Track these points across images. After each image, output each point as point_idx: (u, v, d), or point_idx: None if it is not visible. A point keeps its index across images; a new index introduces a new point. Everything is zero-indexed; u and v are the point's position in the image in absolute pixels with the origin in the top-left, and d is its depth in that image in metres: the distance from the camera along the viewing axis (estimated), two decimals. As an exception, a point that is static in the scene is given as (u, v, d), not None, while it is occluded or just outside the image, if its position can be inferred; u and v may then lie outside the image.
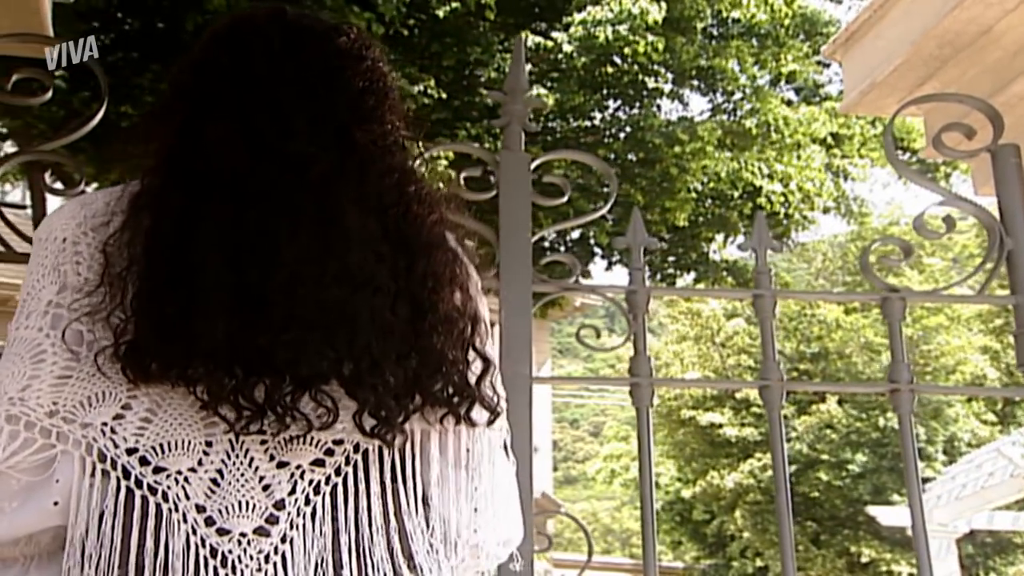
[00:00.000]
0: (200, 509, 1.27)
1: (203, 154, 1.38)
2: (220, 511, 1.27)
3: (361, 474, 1.35)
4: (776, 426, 2.63)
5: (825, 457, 20.05)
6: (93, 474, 1.26)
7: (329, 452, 1.34)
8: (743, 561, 22.16)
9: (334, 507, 1.32)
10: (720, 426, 21.16)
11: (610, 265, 12.75)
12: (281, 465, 1.31)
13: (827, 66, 12.70)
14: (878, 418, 19.24)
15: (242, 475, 1.30)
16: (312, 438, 1.33)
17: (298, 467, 1.32)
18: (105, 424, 1.27)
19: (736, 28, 11.73)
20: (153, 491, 1.27)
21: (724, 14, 11.48)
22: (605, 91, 11.44)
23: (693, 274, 12.70)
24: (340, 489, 1.33)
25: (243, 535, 1.27)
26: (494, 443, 1.47)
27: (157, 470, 1.27)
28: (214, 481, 1.28)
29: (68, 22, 8.09)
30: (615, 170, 11.35)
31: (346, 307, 1.31)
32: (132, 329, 1.29)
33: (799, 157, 11.58)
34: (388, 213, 1.42)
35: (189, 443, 1.29)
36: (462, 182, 2.80)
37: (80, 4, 8.31)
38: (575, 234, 12.36)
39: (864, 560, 19.82)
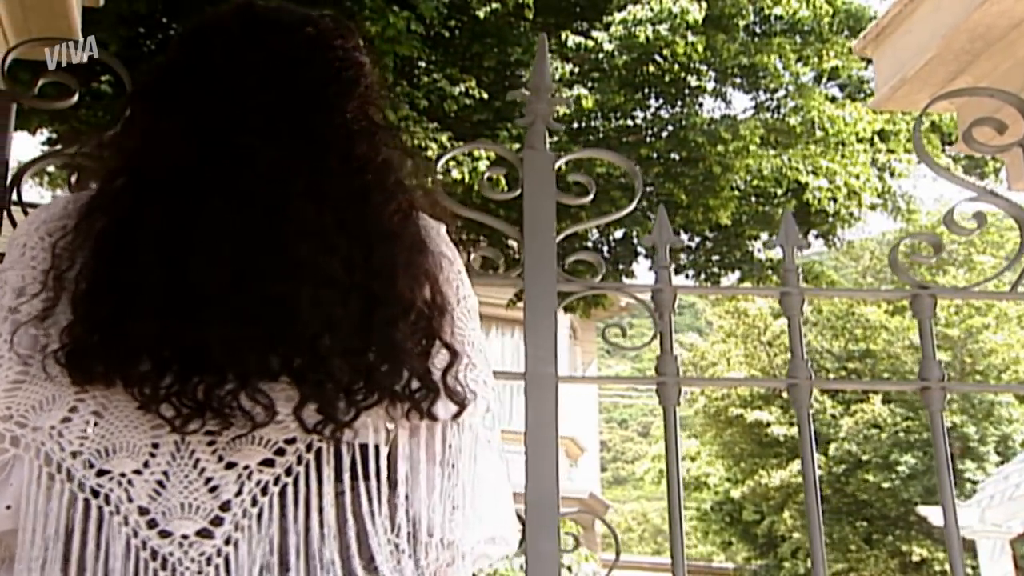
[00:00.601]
0: (143, 511, 1.28)
1: (154, 153, 1.39)
2: (163, 513, 1.28)
3: (314, 474, 1.32)
4: (805, 424, 2.60)
5: (872, 458, 19.89)
6: (39, 477, 1.28)
7: (280, 452, 1.32)
8: (794, 562, 22.02)
9: (283, 508, 1.30)
10: (768, 425, 21.06)
11: (653, 264, 12.65)
12: (230, 466, 1.31)
13: (871, 62, 12.56)
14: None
15: (186, 476, 1.30)
16: (261, 437, 1.32)
17: (246, 467, 1.31)
18: (53, 427, 1.29)
19: (779, 25, 11.62)
20: (96, 494, 1.28)
21: (766, 11, 11.37)
22: (646, 90, 11.37)
23: (738, 273, 12.60)
24: (290, 490, 1.31)
25: (184, 537, 1.27)
26: (479, 438, 1.43)
27: (100, 473, 1.29)
28: (160, 483, 1.29)
29: (111, 27, 8.17)
30: (657, 169, 11.38)
31: (289, 302, 1.29)
32: (75, 332, 1.30)
33: (843, 155, 11.46)
34: (345, 203, 1.39)
35: (134, 445, 1.31)
36: (486, 181, 2.79)
37: (123, 9, 8.38)
38: (618, 233, 12.32)
39: (916, 559, 19.65)
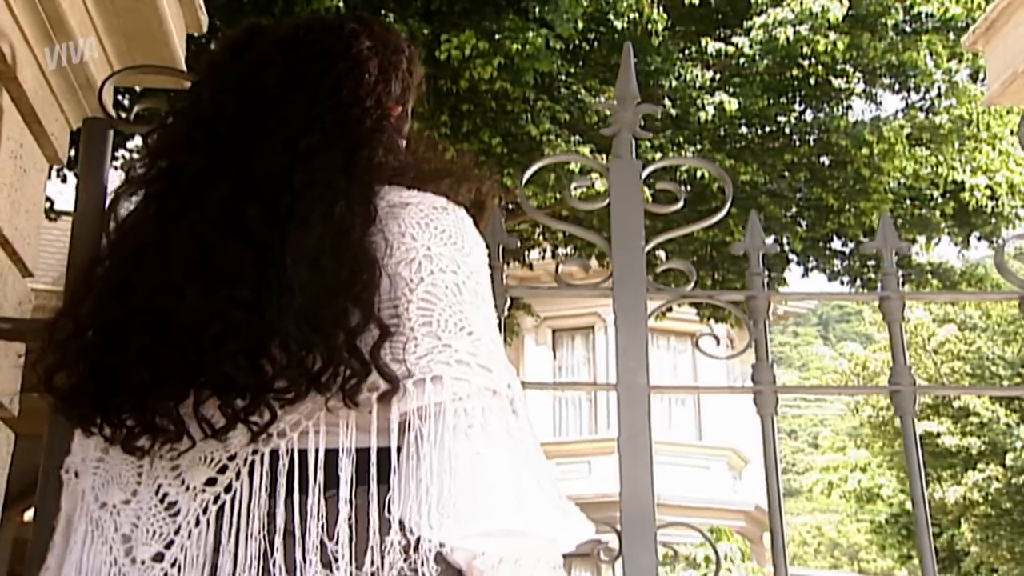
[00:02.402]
0: (125, 539, 1.35)
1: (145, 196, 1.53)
2: (137, 539, 1.34)
3: (246, 490, 1.31)
4: (910, 432, 2.53)
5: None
6: (75, 510, 1.45)
7: (223, 469, 1.33)
8: (978, 576, 21.34)
9: (219, 528, 1.31)
10: (938, 435, 20.40)
11: (806, 272, 12.43)
12: (188, 488, 1.34)
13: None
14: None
15: (150, 500, 1.36)
16: (207, 456, 1.34)
17: (194, 488, 1.34)
18: (84, 461, 1.46)
19: (930, 23, 11.29)
20: (95, 524, 1.39)
21: (916, 8, 11.05)
22: (790, 94, 11.19)
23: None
24: (227, 508, 1.31)
25: (143, 562, 1.33)
26: (458, 428, 1.29)
27: (102, 505, 1.40)
28: (141, 510, 1.36)
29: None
30: (803, 173, 11.16)
31: (193, 315, 1.31)
32: (55, 374, 1.43)
33: (999, 151, 11.06)
34: (275, 199, 1.37)
35: (123, 475, 1.39)
36: (574, 193, 2.78)
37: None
38: (769, 240, 12.10)
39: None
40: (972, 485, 20.17)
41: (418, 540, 1.26)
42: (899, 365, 2.59)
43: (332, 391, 1.29)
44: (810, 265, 12.35)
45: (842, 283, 12.37)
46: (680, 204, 2.79)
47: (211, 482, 1.33)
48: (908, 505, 22.86)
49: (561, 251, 12.50)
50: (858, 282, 12.27)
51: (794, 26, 10.19)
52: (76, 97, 2.67)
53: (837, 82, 11.09)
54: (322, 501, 1.29)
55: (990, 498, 19.92)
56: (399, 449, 1.30)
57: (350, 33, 1.61)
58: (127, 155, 9.92)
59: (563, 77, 9.97)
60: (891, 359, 2.62)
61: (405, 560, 1.26)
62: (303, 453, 1.32)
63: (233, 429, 1.31)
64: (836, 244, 12.34)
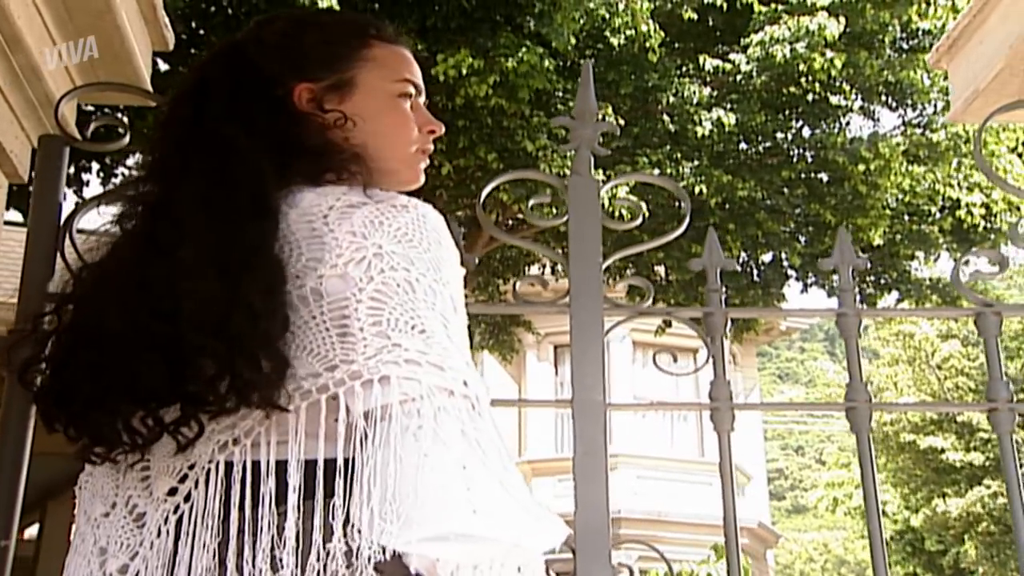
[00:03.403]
0: (102, 552, 1.37)
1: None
2: (110, 551, 1.36)
3: (201, 498, 1.32)
4: (865, 450, 2.52)
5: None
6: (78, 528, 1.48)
7: (183, 479, 1.34)
8: (985, 596, 21.21)
9: (177, 536, 1.32)
10: (942, 451, 20.34)
11: (805, 288, 12.43)
12: (153, 498, 1.36)
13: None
14: None
15: (122, 512, 1.38)
16: (170, 466, 1.35)
17: (158, 498, 1.35)
18: (83, 476, 1.50)
19: (927, 40, 11.30)
20: (81, 538, 1.42)
21: (912, 25, 11.08)
22: (787, 111, 11.23)
23: (895, 294, 12.26)
24: (185, 516, 1.32)
25: (111, 574, 1.34)
26: (407, 429, 1.25)
27: (88, 519, 1.42)
28: (115, 522, 1.38)
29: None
30: (801, 189, 11.18)
31: (122, 329, 1.36)
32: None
33: (995, 168, 11.06)
34: (183, 218, 1.42)
35: (105, 490, 1.41)
36: (531, 208, 2.79)
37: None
38: (767, 257, 12.15)
39: None
40: (976, 501, 20.09)
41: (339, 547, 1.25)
42: (855, 381, 2.58)
43: (253, 401, 1.29)
44: (809, 281, 12.35)
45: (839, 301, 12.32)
46: (639, 221, 2.79)
47: (172, 492, 1.33)
48: (913, 521, 22.85)
49: (561, 267, 12.50)
50: (858, 297, 12.26)
51: (791, 44, 10.22)
52: (36, 114, 2.69)
53: (835, 99, 11.13)
54: (273, 509, 1.28)
55: (994, 515, 19.85)
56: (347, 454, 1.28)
57: (223, 49, 1.67)
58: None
59: (559, 93, 10.01)
60: (849, 375, 2.62)
61: (348, 567, 1.23)
62: (256, 463, 1.31)
63: (158, 440, 1.33)
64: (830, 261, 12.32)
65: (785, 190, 11.47)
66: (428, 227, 1.41)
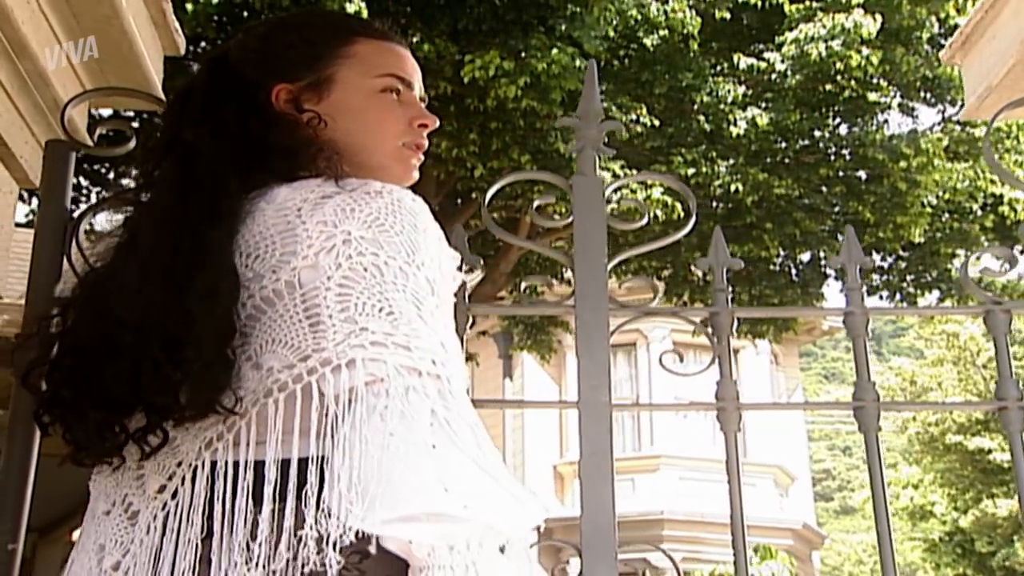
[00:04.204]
0: (100, 549, 1.39)
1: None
2: (107, 549, 1.38)
3: (187, 494, 1.33)
4: (873, 449, 2.51)
5: None
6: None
7: (171, 476, 1.35)
8: (1041, 599, 20.96)
9: (164, 532, 1.33)
10: (990, 452, 20.11)
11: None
12: (145, 496, 1.37)
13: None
14: None
15: (118, 510, 1.40)
16: (160, 464, 1.36)
17: (149, 495, 1.37)
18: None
19: (966, 34, 11.16)
20: (86, 535, 1.43)
21: (950, 21, 10.96)
22: (824, 109, 11.14)
23: (936, 292, 12.13)
24: (171, 513, 1.33)
25: (105, 571, 1.36)
26: (374, 410, 1.24)
27: (92, 517, 1.44)
28: (113, 520, 1.40)
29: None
30: (839, 188, 11.09)
31: (92, 338, 1.40)
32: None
33: None
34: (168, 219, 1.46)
35: (108, 490, 1.43)
36: (535, 209, 2.79)
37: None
38: (806, 256, 12.06)
39: None
40: (1025, 502, 19.87)
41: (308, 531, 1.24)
42: (862, 380, 2.56)
43: (205, 407, 1.30)
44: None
45: (881, 297, 12.25)
46: (644, 221, 2.78)
47: (162, 489, 1.35)
48: (962, 523, 22.59)
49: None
50: (898, 296, 12.16)
51: (826, 41, 10.15)
52: (46, 119, 2.72)
53: (872, 96, 11.03)
54: (250, 503, 1.29)
55: (1045, 516, 19.66)
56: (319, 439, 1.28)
57: (210, 57, 1.69)
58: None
59: (593, 94, 9.96)
60: (856, 374, 2.60)
61: (319, 552, 1.23)
62: (237, 460, 1.32)
63: (124, 446, 1.36)
64: (876, 258, 12.23)
65: (823, 188, 11.39)
66: (402, 211, 1.39)
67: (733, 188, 10.36)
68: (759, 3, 10.35)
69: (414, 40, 8.82)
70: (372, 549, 1.26)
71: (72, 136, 2.35)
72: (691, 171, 10.27)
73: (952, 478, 22.14)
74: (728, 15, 10.58)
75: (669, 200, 9.72)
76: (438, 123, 1.74)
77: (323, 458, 1.26)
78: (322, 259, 1.33)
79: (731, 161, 10.64)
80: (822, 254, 11.70)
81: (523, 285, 2.66)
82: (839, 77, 10.59)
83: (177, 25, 3.04)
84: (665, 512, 17.98)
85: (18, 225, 2.71)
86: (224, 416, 1.32)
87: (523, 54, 8.94)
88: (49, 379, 1.44)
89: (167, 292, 1.35)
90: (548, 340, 14.35)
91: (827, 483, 46.23)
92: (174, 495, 1.34)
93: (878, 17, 10.13)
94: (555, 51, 8.89)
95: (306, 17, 1.77)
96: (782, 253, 11.82)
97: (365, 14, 7.91)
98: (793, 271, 12.14)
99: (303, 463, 1.28)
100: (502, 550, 1.28)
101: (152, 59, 2.97)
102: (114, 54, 2.82)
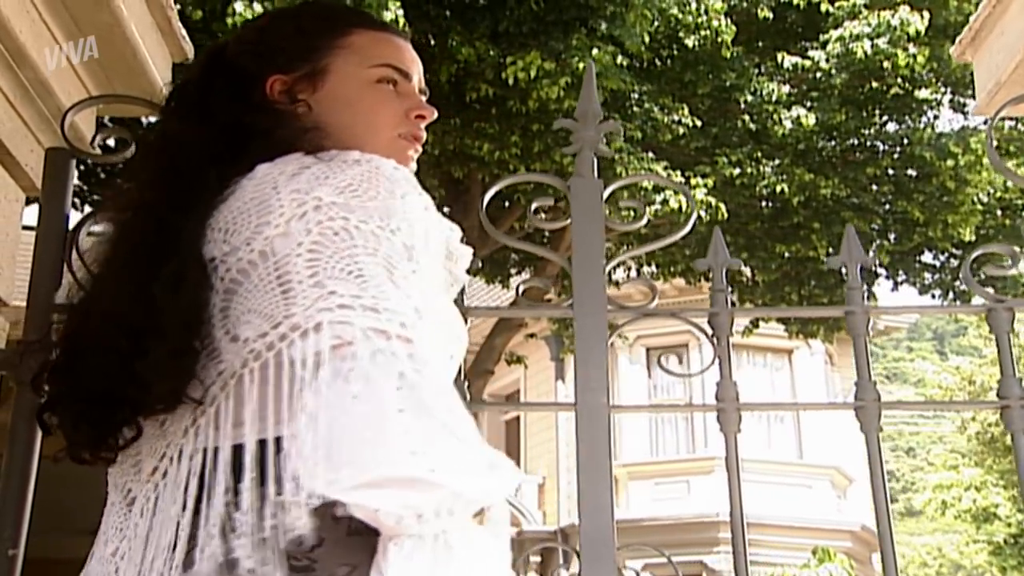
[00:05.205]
0: (107, 536, 1.41)
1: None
2: (109, 536, 1.41)
3: (172, 474, 1.34)
4: (875, 448, 2.48)
5: None
6: None
7: (162, 457, 1.36)
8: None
9: (154, 514, 1.34)
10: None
11: (896, 286, 12.19)
12: (141, 480, 1.39)
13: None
14: None
15: (119, 497, 1.42)
16: (153, 447, 1.38)
17: (143, 479, 1.38)
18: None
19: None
20: (102, 526, 1.44)
21: (1001, 15, 10.78)
22: (870, 107, 11.01)
23: (990, 290, 11.93)
24: (160, 494, 1.35)
25: (104, 558, 1.38)
26: (338, 372, 1.22)
27: (107, 507, 1.45)
28: (117, 508, 1.42)
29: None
30: (887, 187, 10.96)
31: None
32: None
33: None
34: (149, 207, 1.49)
35: (117, 481, 1.44)
36: (532, 211, 2.78)
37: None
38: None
39: None
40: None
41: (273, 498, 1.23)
42: (863, 380, 2.54)
43: (167, 399, 1.32)
44: (900, 279, 12.12)
45: (933, 296, 12.11)
46: (643, 221, 2.77)
47: (154, 471, 1.36)
48: (1027, 525, 22.25)
49: (646, 270, 12.46)
50: (950, 294, 12.00)
51: (872, 39, 10.04)
52: (51, 127, 2.75)
53: (921, 93, 10.89)
54: (228, 475, 1.28)
55: None
56: (272, 404, 1.27)
57: (206, 54, 1.70)
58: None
59: (635, 95, 9.95)
60: (856, 373, 2.58)
61: (282, 515, 1.21)
62: (217, 433, 1.32)
63: (101, 441, 1.38)
64: (927, 257, 12.10)
65: (872, 187, 11.27)
66: (380, 177, 1.38)
67: (779, 188, 10.29)
68: (801, 3, 10.25)
69: (454, 43, 8.85)
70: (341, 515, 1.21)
71: (73, 144, 2.38)
72: (736, 171, 10.21)
73: (1015, 479, 21.79)
74: (771, 14, 10.51)
75: (713, 200, 9.66)
76: (436, 114, 1.71)
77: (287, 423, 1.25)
78: (293, 226, 1.32)
79: (777, 161, 10.56)
80: (871, 253, 11.58)
81: (520, 288, 2.65)
82: (886, 75, 10.47)
83: (184, 32, 3.07)
84: (720, 514, 17.84)
85: (26, 228, 2.75)
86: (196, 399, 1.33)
87: (564, 55, 8.94)
88: (49, 381, 1.46)
89: (134, 283, 1.37)
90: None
91: (890, 485, 45.49)
92: (164, 475, 1.34)
93: (925, 14, 10.01)
94: (596, 51, 8.88)
95: (302, 8, 1.78)
96: (830, 253, 11.71)
97: (403, 18, 7.94)
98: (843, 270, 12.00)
99: (282, 431, 1.26)
100: (479, 520, 1.24)
101: (159, 66, 3.00)
102: (118, 62, 2.85)
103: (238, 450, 1.29)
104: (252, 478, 1.25)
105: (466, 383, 2.29)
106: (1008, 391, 2.48)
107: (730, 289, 2.73)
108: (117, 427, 1.37)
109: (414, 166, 1.69)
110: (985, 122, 10.98)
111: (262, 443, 1.27)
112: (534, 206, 2.79)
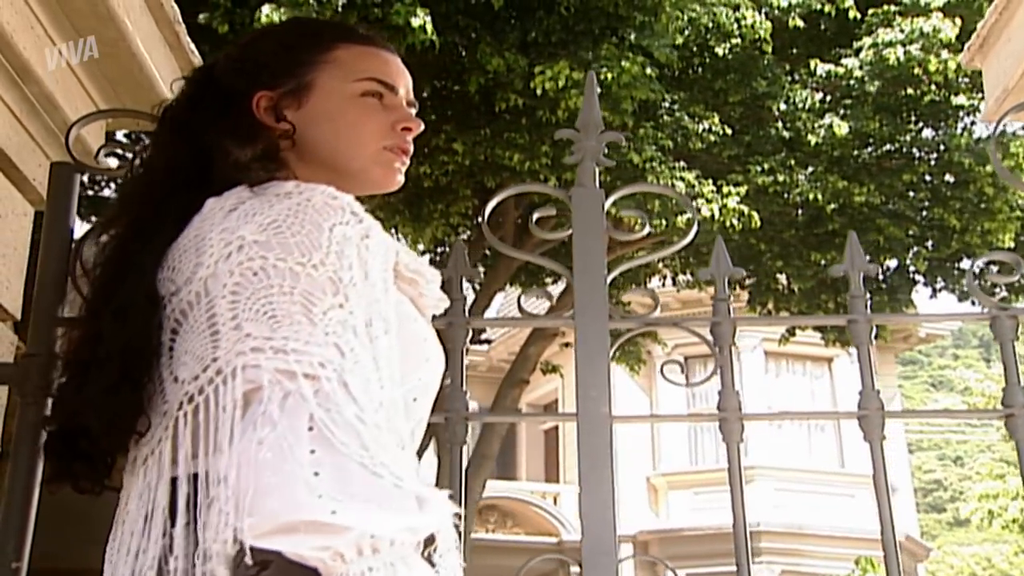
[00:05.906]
0: (113, 537, 1.40)
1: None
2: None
3: (128, 519, 1.36)
4: (878, 458, 2.46)
5: None
6: None
7: (146, 459, 1.37)
8: None
9: (116, 554, 1.36)
10: (1099, 461, 19.46)
11: (934, 293, 12.09)
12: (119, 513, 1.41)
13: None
14: None
15: (123, 497, 1.42)
16: (153, 450, 1.37)
17: (120, 513, 1.40)
18: None
19: (1056, 33, 10.88)
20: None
21: (1038, 19, 10.67)
22: (905, 114, 10.92)
23: (1004, 294, 11.82)
24: (120, 535, 1.37)
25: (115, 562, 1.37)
26: (247, 418, 1.25)
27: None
28: (120, 508, 1.42)
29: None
30: (923, 194, 10.87)
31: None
32: None
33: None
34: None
35: (126, 486, 1.43)
36: (535, 221, 2.78)
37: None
38: (892, 263, 11.84)
39: None
40: None
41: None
42: (867, 389, 2.52)
43: (112, 433, 1.36)
44: (938, 286, 12.01)
45: (973, 303, 11.96)
46: (645, 232, 2.76)
47: (125, 504, 1.39)
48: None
49: (681, 278, 12.43)
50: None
51: (904, 46, 9.97)
52: (58, 141, 2.77)
53: (957, 99, 10.79)
54: (166, 517, 1.29)
55: None
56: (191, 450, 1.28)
57: (194, 72, 1.73)
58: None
59: (666, 104, 9.94)
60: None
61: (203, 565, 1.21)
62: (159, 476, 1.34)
63: (87, 459, 1.41)
64: (966, 264, 11.98)
65: (911, 194, 11.18)
66: (307, 211, 1.37)
67: (812, 196, 10.23)
68: (832, 11, 10.20)
69: (484, 53, 8.87)
70: (273, 559, 1.19)
71: (78, 158, 2.41)
72: (769, 179, 10.16)
73: (1062, 488, 21.52)
74: (802, 23, 10.46)
75: (746, 209, 9.62)
76: (423, 126, 1.71)
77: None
78: (220, 267, 1.33)
79: (810, 169, 10.50)
80: (908, 261, 11.48)
81: (521, 299, 2.65)
82: (920, 82, 10.39)
83: (192, 47, 3.10)
84: (762, 524, 17.73)
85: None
86: (146, 434, 1.34)
87: (593, 64, 8.93)
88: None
89: (90, 312, 1.41)
90: (637, 351, 14.29)
91: (938, 494, 45.17)
92: (127, 509, 1.36)
93: (957, 20, 9.93)
94: (625, 61, 8.86)
95: (288, 25, 1.80)
96: (870, 260, 11.62)
97: (431, 29, 7.96)
98: (881, 278, 11.93)
99: (207, 477, 1.25)
100: (392, 565, 1.20)
101: (167, 80, 3.02)
102: (125, 76, 2.87)
103: (174, 493, 1.29)
104: (184, 524, 1.25)
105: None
106: (1013, 399, 2.45)
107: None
108: (89, 459, 1.38)
109: (401, 178, 1.69)
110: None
111: (196, 485, 1.26)
112: (535, 216, 2.78)
